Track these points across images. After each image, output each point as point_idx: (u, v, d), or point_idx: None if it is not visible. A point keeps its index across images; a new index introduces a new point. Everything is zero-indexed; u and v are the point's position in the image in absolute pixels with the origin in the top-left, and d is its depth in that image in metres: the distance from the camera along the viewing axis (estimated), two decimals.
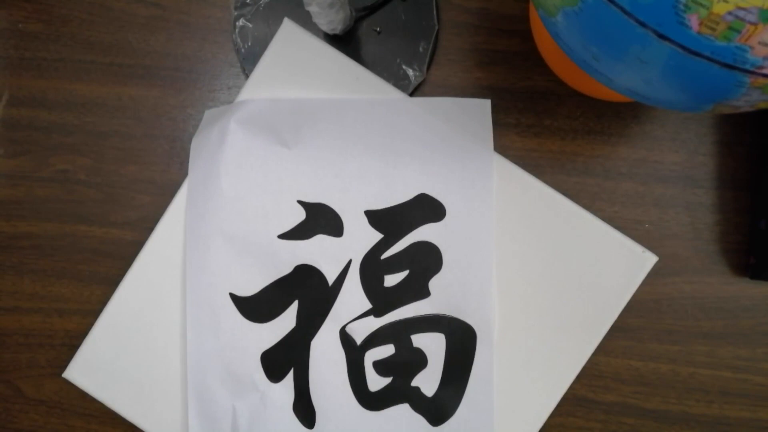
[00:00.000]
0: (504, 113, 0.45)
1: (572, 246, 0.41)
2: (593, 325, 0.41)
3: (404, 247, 0.42)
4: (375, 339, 0.42)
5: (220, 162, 0.41)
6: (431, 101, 0.42)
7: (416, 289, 0.42)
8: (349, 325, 0.42)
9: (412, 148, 0.42)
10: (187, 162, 0.44)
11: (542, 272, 0.41)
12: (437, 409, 0.42)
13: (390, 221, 0.42)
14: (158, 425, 0.42)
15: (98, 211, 0.46)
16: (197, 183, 0.42)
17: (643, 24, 0.25)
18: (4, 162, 0.47)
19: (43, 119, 0.47)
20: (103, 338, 0.42)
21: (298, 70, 0.42)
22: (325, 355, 0.42)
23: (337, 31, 0.43)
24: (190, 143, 0.44)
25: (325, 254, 0.42)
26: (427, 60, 0.45)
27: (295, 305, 0.42)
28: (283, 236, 0.42)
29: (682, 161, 0.45)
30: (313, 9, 0.39)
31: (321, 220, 0.42)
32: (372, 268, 0.42)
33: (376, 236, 0.42)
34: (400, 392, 0.42)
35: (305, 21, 0.43)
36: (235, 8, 0.46)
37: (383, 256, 0.42)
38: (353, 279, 0.42)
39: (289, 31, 0.42)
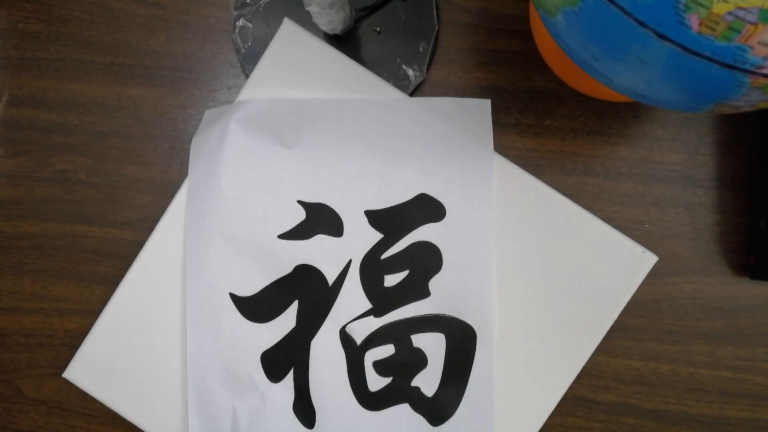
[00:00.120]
0: (504, 113, 0.45)
1: (572, 246, 0.41)
2: (593, 325, 0.41)
3: (404, 247, 0.42)
4: (375, 339, 0.42)
5: (220, 162, 0.41)
6: (431, 101, 0.42)
7: (416, 289, 0.42)
8: (349, 325, 0.42)
9: (412, 148, 0.42)
10: (187, 162, 0.44)
11: (542, 272, 0.41)
12: (437, 409, 0.42)
13: (390, 221, 0.42)
14: (158, 425, 0.42)
15: (98, 211, 0.46)
16: (197, 183, 0.42)
17: (643, 24, 0.25)
18: (4, 162, 0.47)
19: (43, 119, 0.47)
20: (103, 338, 0.42)
21: (298, 70, 0.42)
22: (325, 355, 0.42)
23: (337, 31, 0.43)
24: (190, 143, 0.44)
25: (325, 254, 0.42)
26: (427, 60, 0.45)
27: (295, 305, 0.42)
28: (283, 236, 0.42)
29: (682, 161, 0.45)
30: (313, 9, 0.39)
31: (321, 220, 0.42)
32: (372, 268, 0.42)
33: (376, 236, 0.42)
34: (400, 392, 0.42)
35: (305, 21, 0.43)
36: (235, 8, 0.46)
37: (383, 256, 0.42)
38: (353, 279, 0.42)
39: (289, 31, 0.42)
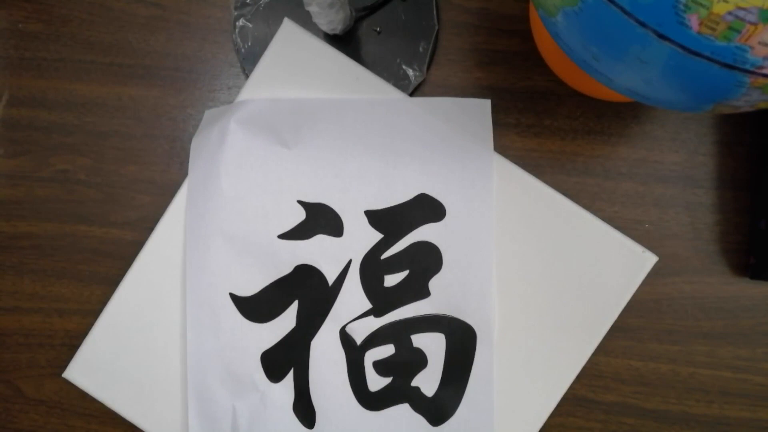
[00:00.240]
0: (504, 113, 0.45)
1: (572, 246, 0.41)
2: (593, 325, 0.41)
3: (404, 247, 0.42)
4: (375, 339, 0.42)
5: (220, 162, 0.41)
6: (431, 101, 0.42)
7: (416, 289, 0.42)
8: (349, 325, 0.42)
9: (412, 148, 0.42)
10: (187, 162, 0.44)
11: (542, 272, 0.41)
12: (437, 409, 0.42)
13: (390, 221, 0.42)
14: (158, 425, 0.42)
15: (98, 211, 0.46)
16: (197, 183, 0.42)
17: (643, 24, 0.25)
18: (4, 162, 0.47)
19: (43, 119, 0.47)
20: (103, 338, 0.42)
21: (298, 70, 0.42)
22: (325, 355, 0.42)
23: (337, 31, 0.43)
24: (190, 143, 0.44)
25: (325, 254, 0.42)
26: (427, 60, 0.45)
27: (295, 305, 0.42)
28: (283, 236, 0.42)
29: (682, 161, 0.45)
30: (313, 9, 0.39)
31: (321, 220, 0.42)
32: (372, 268, 0.42)
33: (376, 236, 0.42)
34: (400, 392, 0.42)
35: (305, 21, 0.43)
36: (235, 8, 0.46)
37: (383, 256, 0.42)
38: (353, 279, 0.42)
39: (289, 31, 0.42)
